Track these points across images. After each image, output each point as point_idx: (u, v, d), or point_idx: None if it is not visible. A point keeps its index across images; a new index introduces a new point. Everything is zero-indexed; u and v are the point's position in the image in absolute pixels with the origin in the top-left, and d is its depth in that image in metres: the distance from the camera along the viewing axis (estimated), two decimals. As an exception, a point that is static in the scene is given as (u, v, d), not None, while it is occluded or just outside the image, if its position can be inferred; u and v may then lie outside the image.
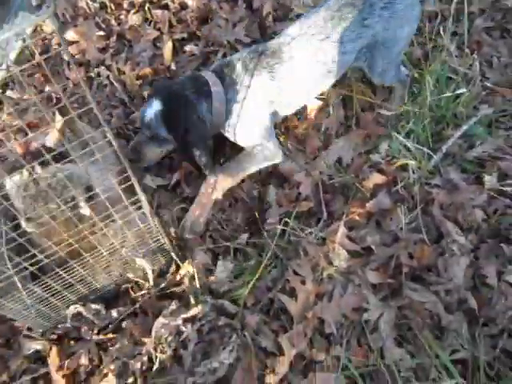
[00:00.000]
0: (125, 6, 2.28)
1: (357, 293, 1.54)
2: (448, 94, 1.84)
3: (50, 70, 1.63)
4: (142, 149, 1.77)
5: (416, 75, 1.99)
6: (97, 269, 1.35)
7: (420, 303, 1.48)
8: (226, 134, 1.79)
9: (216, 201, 1.76)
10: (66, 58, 0.74)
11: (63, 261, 1.22)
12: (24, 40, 0.60)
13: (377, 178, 1.73)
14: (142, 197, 1.22)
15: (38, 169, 1.28)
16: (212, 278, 1.58)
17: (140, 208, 1.25)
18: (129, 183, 1.14)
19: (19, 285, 1.29)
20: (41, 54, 1.77)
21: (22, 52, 1.36)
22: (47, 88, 1.86)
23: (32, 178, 1.25)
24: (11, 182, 1.25)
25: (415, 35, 2.12)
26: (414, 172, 1.73)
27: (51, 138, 1.48)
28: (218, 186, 1.75)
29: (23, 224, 1.25)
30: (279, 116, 1.81)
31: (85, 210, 1.24)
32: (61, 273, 1.24)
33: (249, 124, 1.74)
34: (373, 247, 1.61)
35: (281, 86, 1.70)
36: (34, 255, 1.14)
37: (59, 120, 1.40)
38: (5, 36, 0.60)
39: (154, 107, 1.67)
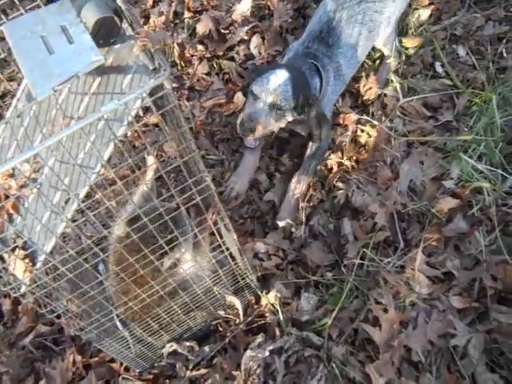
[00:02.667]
0: (193, 61, 2.45)
1: (442, 319, 1.53)
2: (517, 113, 1.83)
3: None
4: (257, 118, 1.77)
5: (478, 101, 2.00)
6: (191, 308, 1.45)
7: (509, 326, 1.45)
8: None
9: (292, 235, 1.83)
10: (176, 112, 0.85)
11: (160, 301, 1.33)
12: (143, 100, 0.70)
13: (451, 203, 1.73)
14: (234, 236, 1.30)
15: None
16: (294, 310, 1.63)
17: (228, 249, 1.34)
18: (216, 227, 1.23)
19: (119, 325, 1.42)
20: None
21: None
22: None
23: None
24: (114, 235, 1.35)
25: (477, 59, 2.14)
26: (489, 194, 1.72)
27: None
28: (304, 184, 1.90)
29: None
30: None
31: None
32: (160, 312, 1.34)
33: (330, 107, 1.93)
34: (454, 272, 1.60)
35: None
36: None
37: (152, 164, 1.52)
38: (129, 97, 0.72)
39: (281, 74, 1.74)
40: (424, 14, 2.30)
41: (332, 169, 1.97)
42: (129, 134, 2.00)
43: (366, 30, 1.96)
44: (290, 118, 1.83)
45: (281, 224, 1.87)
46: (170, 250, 1.17)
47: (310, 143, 1.98)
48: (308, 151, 1.98)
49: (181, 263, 1.32)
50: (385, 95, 2.12)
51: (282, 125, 1.84)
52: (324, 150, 1.99)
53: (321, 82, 1.88)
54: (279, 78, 1.75)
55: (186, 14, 2.52)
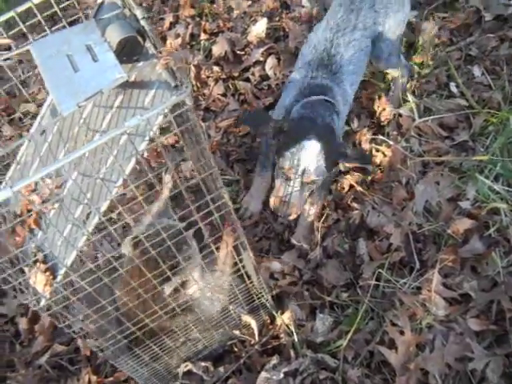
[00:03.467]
0: (209, 83, 2.49)
1: (459, 341, 1.51)
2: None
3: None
4: (292, 202, 1.78)
5: (494, 121, 2.00)
6: (206, 326, 1.44)
7: (528, 349, 1.43)
8: None
9: (308, 256, 1.83)
10: (196, 129, 0.86)
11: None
12: (165, 116, 0.72)
13: (467, 223, 1.71)
14: (250, 254, 1.30)
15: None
16: (309, 331, 1.62)
17: (244, 267, 1.34)
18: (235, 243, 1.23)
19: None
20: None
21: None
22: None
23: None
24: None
25: (492, 79, 2.15)
26: (506, 215, 1.71)
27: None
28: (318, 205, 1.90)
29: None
30: None
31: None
32: (176, 330, 1.34)
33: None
34: (471, 293, 1.58)
35: None
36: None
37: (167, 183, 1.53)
38: (151, 113, 0.74)
39: (312, 149, 1.72)
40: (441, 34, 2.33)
41: (347, 187, 1.99)
42: (145, 154, 2.02)
43: (363, 56, 1.97)
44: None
45: (297, 244, 1.87)
46: (173, 275, 1.16)
47: None
48: None
49: (187, 286, 1.30)
50: (400, 115, 2.13)
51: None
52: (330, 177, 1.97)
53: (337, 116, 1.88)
54: (311, 153, 1.72)
55: (202, 36, 2.57)
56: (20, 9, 0.91)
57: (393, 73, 2.20)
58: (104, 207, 0.89)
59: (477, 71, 2.20)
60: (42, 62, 0.85)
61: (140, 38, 0.88)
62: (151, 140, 0.83)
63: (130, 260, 1.28)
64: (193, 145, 1.07)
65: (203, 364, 1.54)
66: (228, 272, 1.35)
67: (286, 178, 1.77)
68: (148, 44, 0.88)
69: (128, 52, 0.89)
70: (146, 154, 2.01)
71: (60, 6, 0.96)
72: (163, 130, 2.10)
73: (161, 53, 0.84)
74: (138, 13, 0.87)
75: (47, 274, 0.93)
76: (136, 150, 0.82)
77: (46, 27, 0.97)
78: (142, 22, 0.87)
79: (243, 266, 1.33)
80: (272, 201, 1.81)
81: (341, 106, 1.90)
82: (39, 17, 0.94)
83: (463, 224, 1.73)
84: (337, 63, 1.92)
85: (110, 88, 0.82)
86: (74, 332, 1.14)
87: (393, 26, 2.02)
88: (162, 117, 0.82)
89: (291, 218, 1.81)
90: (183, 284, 1.28)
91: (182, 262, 1.13)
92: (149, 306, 1.21)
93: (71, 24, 0.95)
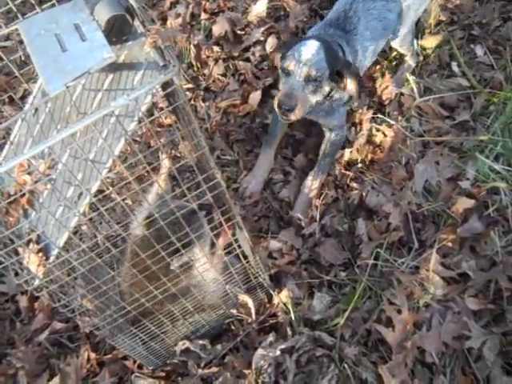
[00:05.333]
0: (209, 63, 2.47)
1: (456, 320, 1.52)
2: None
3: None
4: (294, 95, 1.72)
5: (495, 100, 1.97)
6: (203, 305, 1.46)
7: (525, 328, 1.44)
8: None
9: (304, 231, 1.85)
10: (186, 108, 0.86)
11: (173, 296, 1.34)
12: (153, 95, 0.71)
13: (467, 203, 1.71)
14: (244, 235, 1.31)
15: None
16: (306, 309, 1.63)
17: (240, 247, 1.34)
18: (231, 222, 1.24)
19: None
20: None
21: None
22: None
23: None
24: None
25: (495, 59, 2.12)
26: (505, 194, 1.70)
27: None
28: (319, 181, 1.92)
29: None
30: None
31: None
32: (171, 308, 1.35)
33: None
34: (469, 273, 1.59)
35: None
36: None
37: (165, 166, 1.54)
38: (138, 93, 0.74)
39: (311, 44, 1.72)
40: (442, 14, 2.29)
41: (346, 166, 1.98)
42: (140, 132, 2.02)
43: (380, 26, 1.95)
44: (327, 89, 1.78)
45: (295, 216, 1.89)
46: (183, 249, 1.18)
47: (325, 140, 1.98)
48: (322, 147, 1.98)
49: (194, 263, 1.33)
50: (402, 94, 2.11)
51: (320, 97, 1.79)
52: (338, 146, 1.99)
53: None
54: (310, 48, 1.72)
55: (203, 16, 2.55)
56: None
57: (404, 52, 2.17)
58: (95, 188, 0.89)
59: (479, 51, 2.17)
60: (30, 41, 0.85)
61: (129, 17, 0.87)
62: (140, 120, 0.83)
63: (138, 239, 1.30)
64: (186, 124, 1.06)
65: (200, 342, 1.56)
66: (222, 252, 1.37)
67: (287, 73, 1.75)
68: (137, 23, 0.88)
69: (117, 31, 0.88)
70: (143, 132, 2.01)
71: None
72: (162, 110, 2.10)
73: (149, 31, 0.83)
74: (127, -9, 0.86)
75: (40, 254, 0.94)
76: (125, 130, 0.82)
77: (36, 6, 0.97)
78: (131, 0, 0.87)
79: (239, 246, 1.34)
80: (276, 99, 1.77)
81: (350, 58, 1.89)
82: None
83: (463, 204, 1.72)
84: (352, 24, 1.90)
85: (98, 68, 0.82)
86: (70, 311, 1.16)
87: (416, 2, 2.01)
88: (150, 96, 0.81)
89: (294, 116, 1.75)
90: (189, 263, 1.31)
91: (195, 239, 1.17)
92: (154, 283, 1.24)
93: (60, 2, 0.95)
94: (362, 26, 1.91)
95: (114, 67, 0.90)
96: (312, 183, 1.92)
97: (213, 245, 1.39)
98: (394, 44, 2.12)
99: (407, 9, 1.99)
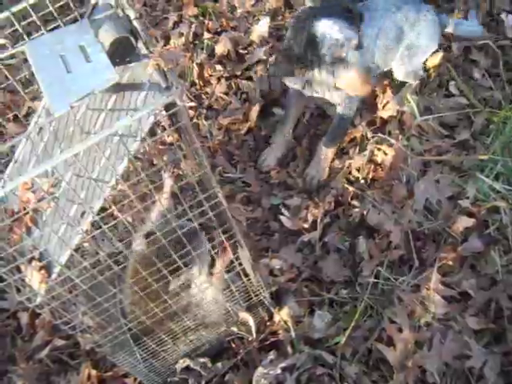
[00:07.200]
0: (212, 81, 2.50)
1: (457, 340, 1.51)
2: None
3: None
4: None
5: (495, 119, 1.99)
6: (204, 323, 1.46)
7: (526, 348, 1.44)
8: None
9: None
10: (189, 129, 0.89)
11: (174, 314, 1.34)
12: (155, 116, 0.73)
13: (467, 222, 1.71)
14: (245, 252, 1.32)
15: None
16: (307, 328, 1.62)
17: (240, 264, 1.35)
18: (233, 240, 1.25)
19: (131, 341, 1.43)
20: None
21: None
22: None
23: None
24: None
25: (493, 80, 2.14)
26: (505, 213, 1.70)
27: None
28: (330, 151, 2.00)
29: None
30: None
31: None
32: (172, 326, 1.36)
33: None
34: (470, 292, 1.59)
35: None
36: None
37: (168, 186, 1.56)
38: (141, 113, 0.75)
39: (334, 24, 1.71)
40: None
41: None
42: (142, 150, 2.04)
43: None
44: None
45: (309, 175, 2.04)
46: (182, 267, 1.19)
47: (337, 113, 2.00)
48: (334, 121, 2.02)
49: (193, 281, 1.34)
50: (403, 113, 2.12)
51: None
52: (348, 119, 2.01)
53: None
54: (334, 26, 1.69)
55: (206, 35, 2.58)
56: (15, 9, 0.92)
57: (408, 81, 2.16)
58: (97, 206, 0.90)
59: (477, 73, 2.20)
60: (36, 61, 0.87)
61: (132, 39, 0.89)
62: (143, 140, 0.84)
63: (139, 257, 1.31)
64: (188, 143, 1.08)
65: (201, 360, 1.55)
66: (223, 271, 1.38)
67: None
68: (140, 45, 0.89)
69: (121, 53, 0.90)
70: (145, 150, 2.03)
71: (55, 6, 0.97)
72: (164, 129, 2.12)
73: (152, 53, 0.85)
74: (131, 13, 0.88)
75: (42, 271, 0.95)
76: (127, 150, 0.83)
77: (42, 27, 0.99)
78: (135, 23, 0.89)
79: (240, 264, 1.34)
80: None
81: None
82: (34, 16, 0.95)
83: (463, 222, 1.73)
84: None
85: (102, 88, 0.84)
86: (71, 328, 1.16)
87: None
88: (153, 117, 0.83)
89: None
90: (188, 282, 1.32)
91: (196, 257, 1.19)
92: (154, 301, 1.24)
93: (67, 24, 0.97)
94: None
95: (118, 88, 0.92)
96: (325, 151, 2.01)
97: (212, 263, 1.40)
98: (398, 75, 2.11)
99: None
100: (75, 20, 0.96)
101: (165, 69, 0.83)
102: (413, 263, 1.72)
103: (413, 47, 1.98)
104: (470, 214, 1.75)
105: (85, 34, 0.90)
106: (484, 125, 2.02)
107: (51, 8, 0.95)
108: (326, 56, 1.75)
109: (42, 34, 0.95)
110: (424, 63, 2.17)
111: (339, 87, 1.86)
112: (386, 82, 2.24)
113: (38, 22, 0.96)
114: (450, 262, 1.66)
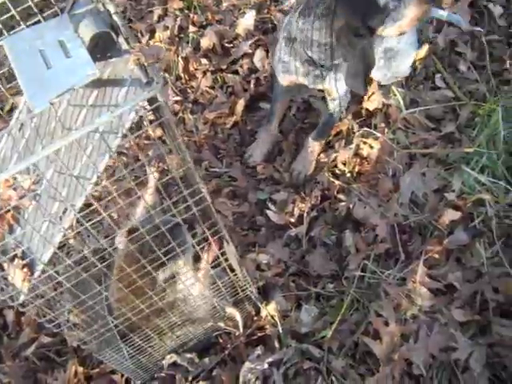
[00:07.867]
0: (197, 75, 2.48)
1: (443, 332, 1.52)
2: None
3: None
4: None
5: (480, 112, 2.00)
6: (191, 319, 1.46)
7: (511, 339, 1.45)
8: None
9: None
10: (171, 124, 0.88)
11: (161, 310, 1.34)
12: (137, 112, 0.72)
13: (453, 215, 1.72)
14: (231, 248, 1.31)
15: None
16: (294, 322, 1.63)
17: (227, 260, 1.35)
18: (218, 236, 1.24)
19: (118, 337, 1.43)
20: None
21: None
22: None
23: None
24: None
25: (479, 73, 2.15)
26: (491, 206, 1.71)
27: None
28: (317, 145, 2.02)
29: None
30: None
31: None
32: (158, 322, 1.35)
33: None
34: (456, 284, 1.60)
35: None
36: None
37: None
38: (122, 110, 0.74)
39: None
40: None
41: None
42: (127, 145, 2.03)
43: None
44: None
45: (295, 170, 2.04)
46: (167, 263, 1.18)
47: (328, 110, 2.00)
48: (324, 118, 2.03)
49: (179, 277, 1.33)
50: (388, 106, 2.12)
51: None
52: (337, 116, 2.02)
53: None
54: None
55: (191, 29, 2.56)
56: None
57: None
58: (79, 203, 0.89)
59: (463, 65, 2.20)
60: (15, 57, 0.85)
61: (113, 34, 0.88)
62: (124, 136, 0.83)
63: (123, 253, 1.31)
64: (172, 138, 1.07)
65: (188, 355, 1.55)
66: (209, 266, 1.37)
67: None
68: (121, 40, 0.88)
69: (101, 48, 0.89)
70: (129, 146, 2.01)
71: (35, 0, 0.95)
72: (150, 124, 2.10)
73: (133, 48, 0.84)
74: (111, 8, 0.87)
75: (25, 270, 0.94)
76: (109, 146, 0.82)
77: (21, 22, 0.97)
78: (115, 18, 0.87)
79: (226, 259, 1.34)
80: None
81: None
82: (13, 11, 0.93)
83: (449, 215, 1.74)
84: None
85: (82, 84, 0.82)
86: (56, 326, 1.15)
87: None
88: (134, 113, 0.82)
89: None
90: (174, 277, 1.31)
91: (180, 253, 1.18)
92: (140, 297, 1.24)
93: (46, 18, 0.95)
94: None
95: (99, 83, 0.90)
96: (312, 144, 2.01)
97: (197, 259, 1.39)
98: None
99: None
100: (56, 15, 0.95)
101: (145, 64, 0.82)
102: (399, 256, 1.73)
103: (392, 51, 2.00)
104: (456, 207, 1.75)
105: (64, 29, 0.89)
106: (469, 117, 2.02)
107: (30, 3, 0.93)
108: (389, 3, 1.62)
109: (22, 28, 0.94)
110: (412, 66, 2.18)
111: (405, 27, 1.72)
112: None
113: (18, 17, 0.95)
114: (436, 255, 1.67)
